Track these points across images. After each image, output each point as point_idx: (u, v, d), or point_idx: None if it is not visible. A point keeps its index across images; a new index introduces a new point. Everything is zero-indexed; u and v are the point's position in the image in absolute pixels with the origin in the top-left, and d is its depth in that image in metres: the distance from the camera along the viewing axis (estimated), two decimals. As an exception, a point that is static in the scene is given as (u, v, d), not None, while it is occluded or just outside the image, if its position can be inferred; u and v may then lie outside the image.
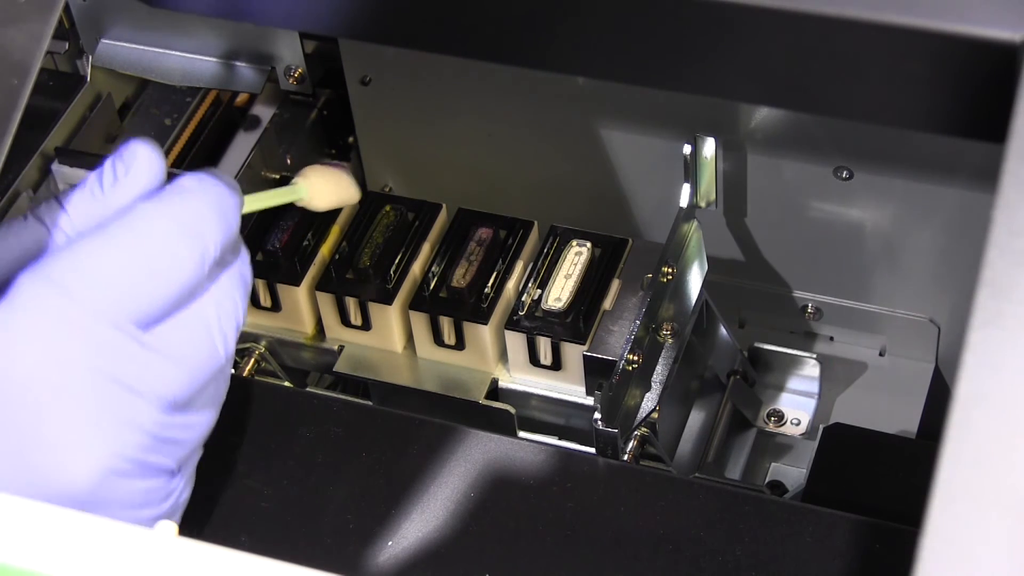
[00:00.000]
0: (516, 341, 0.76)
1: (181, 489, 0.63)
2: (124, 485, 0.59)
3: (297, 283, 0.78)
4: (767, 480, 0.86)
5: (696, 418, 0.82)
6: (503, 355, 0.77)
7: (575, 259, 0.77)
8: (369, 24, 0.61)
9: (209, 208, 0.60)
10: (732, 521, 0.69)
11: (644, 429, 0.75)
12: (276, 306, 0.79)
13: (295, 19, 0.67)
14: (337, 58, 0.89)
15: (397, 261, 0.78)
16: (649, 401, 0.75)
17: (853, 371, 0.90)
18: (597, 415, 0.72)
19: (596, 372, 0.75)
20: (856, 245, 0.85)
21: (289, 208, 0.80)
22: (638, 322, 0.74)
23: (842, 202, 0.83)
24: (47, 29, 0.55)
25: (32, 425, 0.57)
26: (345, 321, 0.78)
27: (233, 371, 0.75)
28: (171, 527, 0.44)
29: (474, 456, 0.72)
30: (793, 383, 0.87)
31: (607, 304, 0.76)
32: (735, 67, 0.56)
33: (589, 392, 0.76)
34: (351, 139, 0.93)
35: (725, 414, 0.84)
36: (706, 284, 0.79)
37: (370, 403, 0.79)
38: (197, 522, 0.68)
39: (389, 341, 0.79)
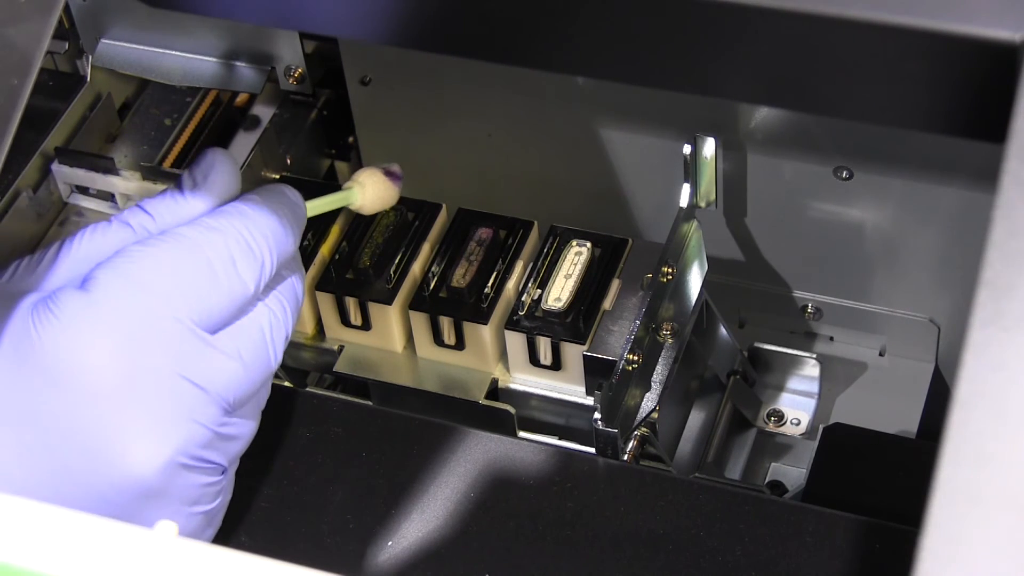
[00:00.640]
0: (516, 341, 0.76)
1: (227, 490, 0.65)
2: (184, 479, 0.62)
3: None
4: (767, 480, 0.86)
5: (696, 418, 0.82)
6: (503, 355, 0.77)
7: (575, 259, 0.77)
8: (369, 24, 0.61)
9: (270, 228, 0.64)
10: (732, 521, 0.69)
11: (644, 429, 0.75)
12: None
13: (295, 19, 0.67)
14: (337, 58, 0.89)
15: (397, 261, 0.78)
16: (649, 401, 0.75)
17: (853, 371, 0.90)
18: (597, 415, 0.72)
19: (596, 372, 0.75)
20: (856, 245, 0.85)
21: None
22: (638, 322, 0.74)
23: (842, 202, 0.83)
24: (47, 29, 0.55)
25: (104, 412, 0.60)
26: (345, 321, 0.78)
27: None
28: (171, 527, 0.44)
29: (474, 456, 0.72)
30: (793, 383, 0.87)
31: (607, 304, 0.76)
32: (735, 67, 0.56)
33: (589, 392, 0.76)
34: (351, 139, 0.93)
35: (725, 414, 0.84)
36: (706, 284, 0.79)
37: (370, 403, 0.79)
38: (197, 522, 0.68)
39: (389, 341, 0.78)
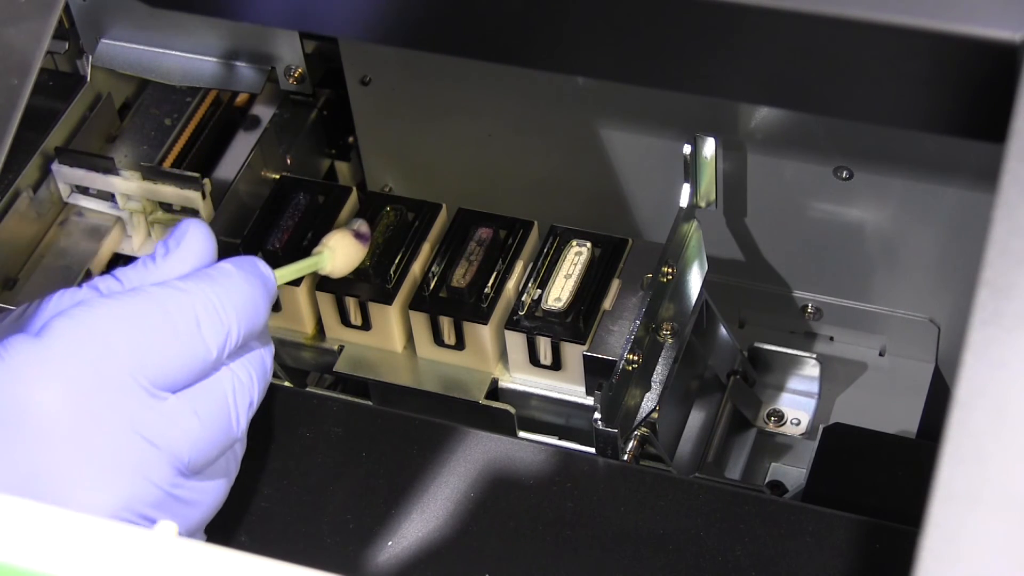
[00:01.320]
0: (516, 341, 0.76)
1: None
2: None
3: (297, 283, 0.78)
4: (767, 480, 0.86)
5: (696, 418, 0.82)
6: (503, 355, 0.77)
7: (575, 259, 0.77)
8: (369, 24, 0.61)
9: (240, 296, 0.63)
10: (732, 521, 0.69)
11: (644, 429, 0.75)
12: (276, 306, 0.79)
13: (295, 19, 0.67)
14: (337, 58, 0.89)
15: (397, 261, 0.78)
16: (649, 401, 0.75)
17: (853, 371, 0.90)
18: (597, 415, 0.72)
19: (596, 372, 0.75)
20: (856, 245, 0.85)
21: (289, 208, 0.80)
22: (638, 322, 0.74)
23: (842, 202, 0.83)
24: (47, 29, 0.55)
25: (50, 458, 0.59)
26: (345, 321, 0.78)
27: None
28: (171, 527, 0.44)
29: (474, 456, 0.72)
30: (793, 383, 0.87)
31: (607, 304, 0.76)
32: (735, 67, 0.56)
33: (589, 392, 0.76)
34: (351, 139, 0.93)
35: (725, 414, 0.84)
36: (706, 284, 0.79)
37: (370, 403, 0.79)
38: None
39: (389, 341, 0.78)
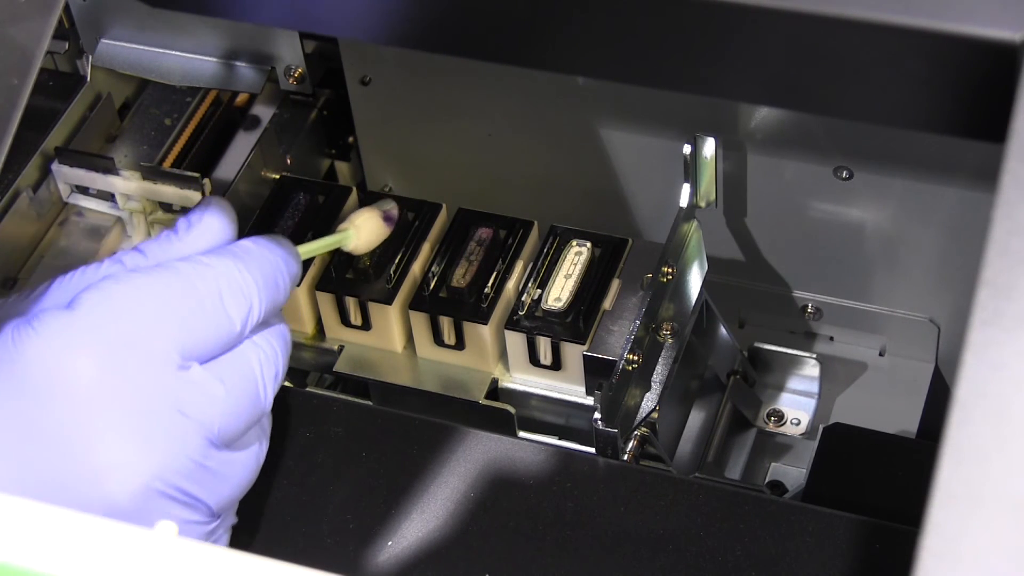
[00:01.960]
0: (516, 341, 0.76)
1: (221, 540, 0.64)
2: (161, 507, 0.61)
3: (297, 283, 0.78)
4: (767, 480, 0.86)
5: (696, 418, 0.82)
6: (503, 355, 0.77)
7: (575, 259, 0.77)
8: (369, 24, 0.61)
9: (262, 272, 0.64)
10: (732, 521, 0.69)
11: (644, 429, 0.75)
12: (276, 306, 0.79)
13: (295, 19, 0.67)
14: (337, 58, 0.89)
15: (397, 261, 0.78)
16: (649, 401, 0.75)
17: (853, 371, 0.90)
18: (597, 415, 0.72)
19: (596, 372, 0.75)
20: (856, 245, 0.85)
21: (289, 208, 0.80)
22: (638, 322, 0.74)
23: (842, 202, 0.83)
24: (47, 29, 0.55)
25: (82, 429, 0.59)
26: (345, 321, 0.78)
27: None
28: (171, 527, 0.44)
29: (474, 456, 0.72)
30: (793, 383, 0.87)
31: (607, 304, 0.76)
32: (735, 67, 0.56)
33: (589, 392, 0.76)
34: (351, 139, 0.93)
35: (725, 414, 0.84)
36: (706, 284, 0.79)
37: (370, 403, 0.79)
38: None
39: (389, 341, 0.78)
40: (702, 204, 0.80)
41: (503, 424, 0.76)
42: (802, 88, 0.56)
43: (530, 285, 0.76)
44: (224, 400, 0.62)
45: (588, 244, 0.78)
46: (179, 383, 0.61)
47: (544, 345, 0.75)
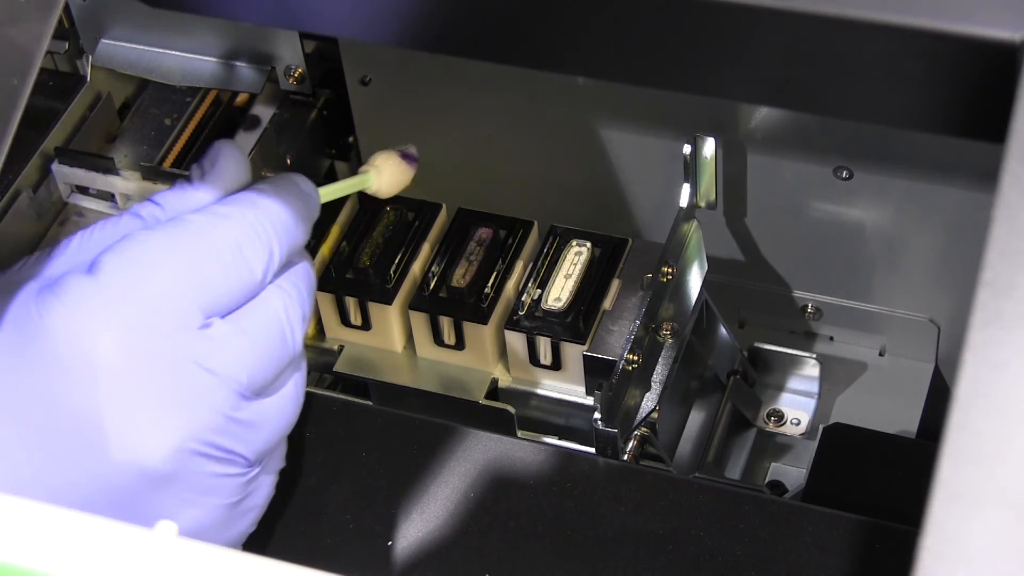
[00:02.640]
0: (516, 341, 0.76)
1: (257, 487, 0.64)
2: (196, 465, 0.61)
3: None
4: (767, 480, 0.86)
5: (696, 418, 0.82)
6: (503, 355, 0.77)
7: (575, 259, 0.77)
8: (369, 24, 0.61)
9: (279, 216, 0.64)
10: (732, 521, 0.69)
11: (644, 429, 0.75)
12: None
13: (295, 19, 0.67)
14: (337, 58, 0.89)
15: (397, 261, 0.78)
16: (649, 401, 0.75)
17: (853, 371, 0.90)
18: (597, 415, 0.72)
19: (596, 372, 0.75)
20: (856, 245, 0.85)
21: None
22: (638, 322, 0.74)
23: (842, 202, 0.83)
24: (47, 29, 0.55)
25: (111, 395, 0.59)
26: (345, 321, 0.78)
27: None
28: (171, 527, 0.44)
29: (474, 456, 0.72)
30: (793, 383, 0.87)
31: (607, 304, 0.76)
32: (735, 67, 0.56)
33: (589, 392, 0.76)
34: (351, 139, 0.93)
35: (725, 414, 0.84)
36: (706, 284, 0.79)
37: (370, 403, 0.79)
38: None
39: (389, 341, 0.78)
40: (702, 204, 0.80)
41: (503, 424, 0.76)
42: (802, 88, 0.56)
43: (530, 285, 0.76)
44: (251, 351, 0.62)
45: (588, 244, 0.78)
46: (203, 341, 0.61)
47: (544, 345, 0.75)
